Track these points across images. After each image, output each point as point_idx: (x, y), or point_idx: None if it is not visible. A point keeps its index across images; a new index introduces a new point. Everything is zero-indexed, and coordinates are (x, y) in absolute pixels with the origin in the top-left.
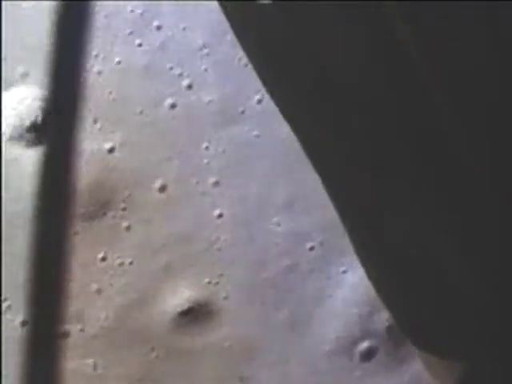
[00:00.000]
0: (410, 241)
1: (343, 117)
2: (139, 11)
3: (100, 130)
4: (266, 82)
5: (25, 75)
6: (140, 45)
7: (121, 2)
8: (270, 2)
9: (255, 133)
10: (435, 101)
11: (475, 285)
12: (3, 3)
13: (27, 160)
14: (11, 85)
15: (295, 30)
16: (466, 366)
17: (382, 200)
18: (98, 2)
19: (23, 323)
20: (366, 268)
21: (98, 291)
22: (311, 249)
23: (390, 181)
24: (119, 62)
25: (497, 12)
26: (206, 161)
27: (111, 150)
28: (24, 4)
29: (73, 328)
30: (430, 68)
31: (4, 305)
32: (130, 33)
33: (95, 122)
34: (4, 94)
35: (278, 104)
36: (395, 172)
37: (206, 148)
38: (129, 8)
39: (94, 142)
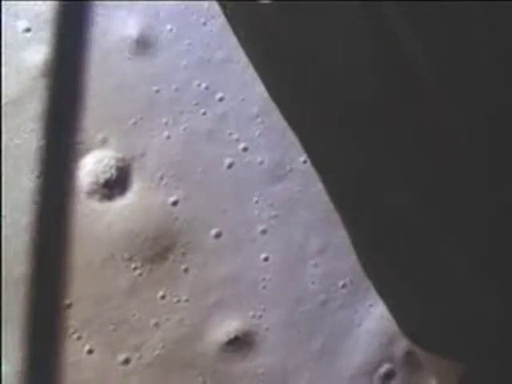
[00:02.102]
0: (411, 241)
1: (343, 115)
2: (205, 85)
3: (166, 185)
4: (265, 81)
5: (104, 141)
6: (204, 113)
7: (190, 77)
8: (270, 2)
9: (299, 189)
10: (435, 101)
11: (475, 285)
12: None
13: (102, 212)
14: (92, 148)
15: (295, 30)
16: (466, 366)
17: (382, 202)
18: (170, 77)
19: None
20: (366, 268)
21: (156, 324)
22: (343, 286)
23: (389, 181)
24: (185, 129)
25: (497, 12)
26: (255, 212)
27: (175, 203)
28: (110, 81)
29: (133, 356)
30: (430, 67)
31: None
32: (196, 103)
33: (162, 178)
34: (86, 155)
35: (277, 103)
36: (395, 172)
37: (256, 202)
38: (196, 82)
39: (160, 196)
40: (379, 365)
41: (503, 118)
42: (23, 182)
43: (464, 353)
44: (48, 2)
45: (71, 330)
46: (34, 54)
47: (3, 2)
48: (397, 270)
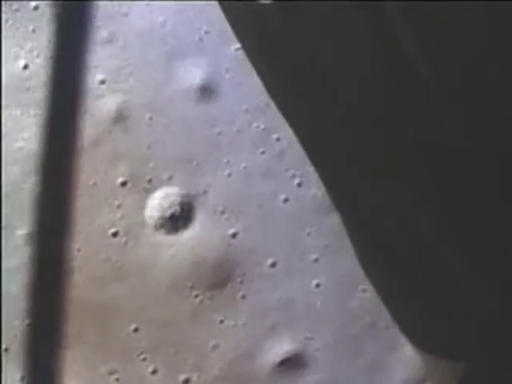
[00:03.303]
0: (410, 243)
1: (342, 114)
2: (263, 126)
3: (227, 219)
4: (265, 81)
5: (170, 179)
6: (262, 153)
7: (249, 120)
8: (270, 1)
9: None
10: (435, 101)
11: (475, 285)
12: None
13: (167, 244)
14: (160, 186)
15: (295, 30)
16: (466, 365)
17: (382, 202)
18: (231, 120)
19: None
20: (367, 269)
21: (215, 346)
22: None
23: (389, 181)
24: (245, 167)
25: (497, 12)
26: (308, 242)
27: (234, 235)
28: (176, 124)
29: (192, 376)
30: (430, 67)
31: None
32: (255, 144)
33: (223, 213)
34: (154, 192)
35: (277, 103)
36: (395, 172)
37: (309, 233)
38: (255, 125)
39: (221, 229)
40: (423, 381)
41: (503, 118)
42: (103, 216)
43: (464, 353)
44: (122, 59)
45: (137, 352)
46: (108, 103)
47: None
48: (397, 270)
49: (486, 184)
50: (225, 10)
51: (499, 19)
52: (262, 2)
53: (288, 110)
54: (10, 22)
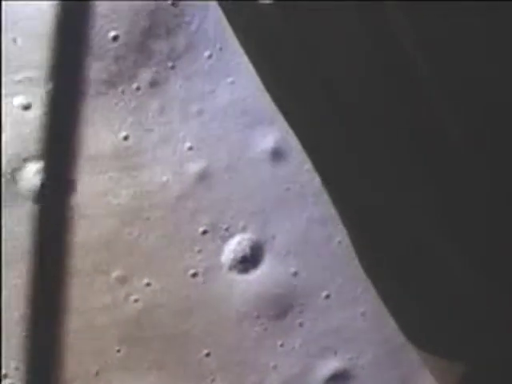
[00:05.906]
0: (410, 242)
1: (342, 114)
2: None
3: (289, 260)
4: (265, 81)
5: (244, 227)
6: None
7: (311, 177)
8: (270, 1)
9: None
10: (435, 101)
11: (476, 285)
12: None
13: (239, 282)
14: (235, 233)
15: (295, 30)
16: (466, 365)
17: (382, 202)
18: (297, 178)
19: None
20: (367, 269)
21: (275, 367)
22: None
23: (390, 181)
24: (307, 217)
25: (496, 12)
26: (358, 276)
27: (295, 274)
28: (251, 182)
29: None
30: (430, 67)
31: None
32: (315, 195)
33: (287, 255)
34: (230, 239)
35: (276, 102)
36: (395, 172)
37: (358, 269)
38: (316, 180)
39: (284, 269)
40: None
41: (503, 117)
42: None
43: (464, 352)
44: (207, 129)
45: (208, 373)
46: (193, 165)
47: None
48: (397, 271)
49: (486, 184)
50: (225, 10)
51: (499, 19)
52: (262, 2)
53: (288, 110)
54: (116, 101)
